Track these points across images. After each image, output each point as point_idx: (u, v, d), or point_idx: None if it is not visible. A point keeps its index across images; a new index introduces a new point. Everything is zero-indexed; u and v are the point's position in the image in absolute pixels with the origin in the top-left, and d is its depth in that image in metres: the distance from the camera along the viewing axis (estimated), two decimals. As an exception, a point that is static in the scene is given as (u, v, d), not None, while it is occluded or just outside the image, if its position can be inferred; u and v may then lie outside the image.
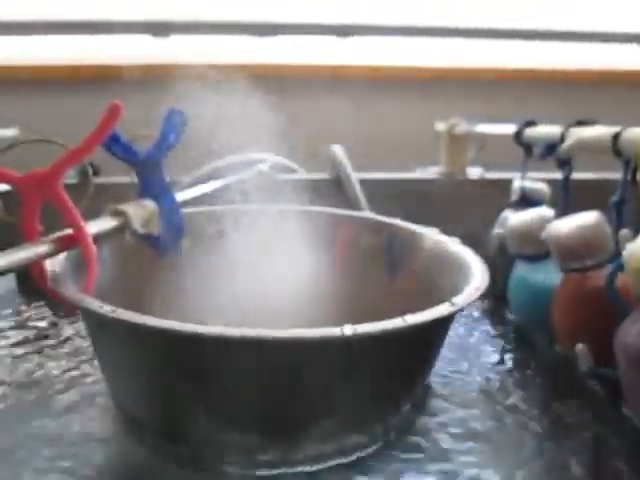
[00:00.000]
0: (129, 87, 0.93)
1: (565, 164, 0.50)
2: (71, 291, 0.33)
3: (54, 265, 0.35)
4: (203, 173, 0.70)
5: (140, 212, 0.40)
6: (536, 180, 0.59)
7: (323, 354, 0.31)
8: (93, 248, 0.33)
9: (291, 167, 0.76)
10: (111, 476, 0.34)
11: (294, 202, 0.55)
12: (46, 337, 0.49)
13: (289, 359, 0.31)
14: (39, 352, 0.47)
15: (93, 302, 0.31)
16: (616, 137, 0.42)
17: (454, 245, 0.44)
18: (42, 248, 0.31)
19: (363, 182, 0.71)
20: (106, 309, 0.30)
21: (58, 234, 0.33)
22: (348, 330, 0.29)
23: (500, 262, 0.54)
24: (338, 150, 0.73)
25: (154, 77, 0.94)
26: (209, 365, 0.31)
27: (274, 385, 0.32)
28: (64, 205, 0.33)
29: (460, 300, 0.34)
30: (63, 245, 0.32)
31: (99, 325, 0.35)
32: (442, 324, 0.37)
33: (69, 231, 0.33)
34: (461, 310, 0.34)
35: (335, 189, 0.73)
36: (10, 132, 0.65)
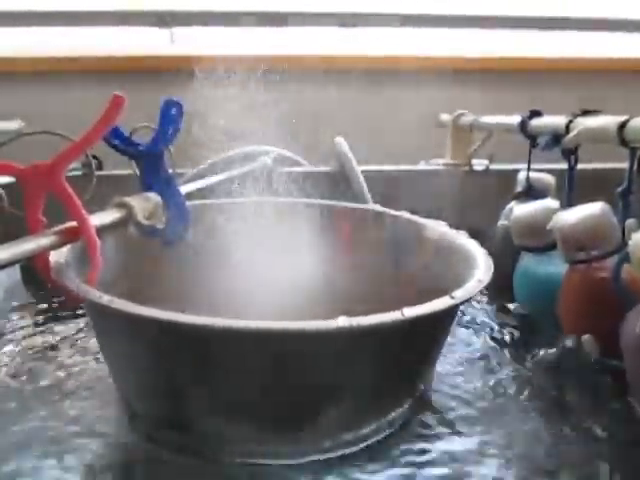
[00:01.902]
0: (133, 79, 0.93)
1: (570, 154, 0.50)
2: (74, 282, 0.33)
3: (58, 257, 0.35)
4: (208, 165, 0.71)
5: (144, 204, 0.40)
6: (541, 171, 0.59)
7: (320, 346, 0.31)
8: (96, 240, 0.33)
9: (295, 160, 0.76)
10: (114, 467, 0.34)
11: (298, 195, 0.55)
12: (50, 329, 0.50)
13: (287, 351, 0.31)
14: (43, 343, 0.47)
15: (93, 292, 0.31)
16: (622, 126, 0.42)
17: (459, 237, 0.44)
18: (45, 240, 0.31)
19: (368, 174, 0.71)
20: (105, 299, 0.30)
21: (61, 226, 0.33)
22: (343, 322, 0.29)
23: (505, 253, 0.54)
24: (342, 142, 0.73)
25: (157, 69, 0.94)
26: (208, 356, 0.31)
27: (272, 377, 0.32)
28: (67, 197, 0.33)
29: (461, 293, 0.33)
30: (66, 237, 0.32)
31: (100, 316, 0.35)
32: (444, 317, 0.36)
33: (73, 223, 0.33)
34: (462, 303, 0.33)
35: (339, 181, 0.73)
36: (14, 124, 0.65)
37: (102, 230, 0.35)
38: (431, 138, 0.80)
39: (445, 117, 0.77)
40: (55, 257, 0.35)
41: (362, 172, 0.71)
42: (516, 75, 1.07)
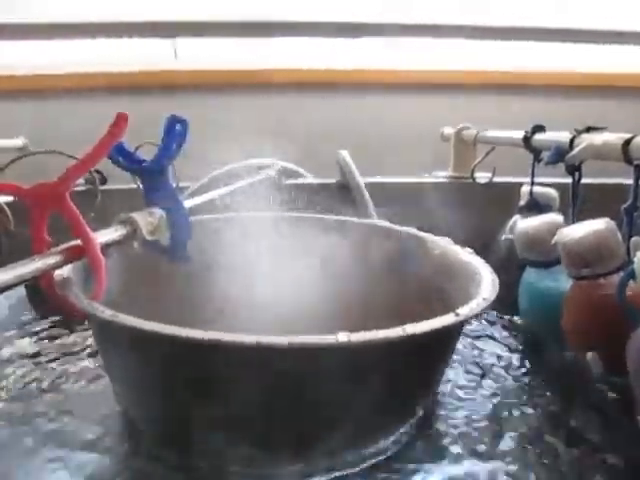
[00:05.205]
0: (137, 95, 0.93)
1: (574, 170, 0.49)
2: (78, 299, 0.33)
3: (62, 273, 0.35)
4: (211, 179, 0.71)
5: (148, 219, 0.40)
6: (545, 185, 0.59)
7: (319, 361, 0.31)
8: (101, 258, 0.33)
9: (298, 172, 0.76)
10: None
11: (301, 207, 0.55)
12: (54, 344, 0.50)
13: (286, 366, 0.31)
14: (47, 358, 0.47)
15: (96, 307, 0.31)
16: (627, 143, 0.42)
17: (465, 254, 0.44)
18: (51, 260, 0.31)
19: (371, 186, 0.71)
20: (108, 314, 0.30)
21: (66, 245, 0.32)
22: (343, 337, 0.29)
23: (509, 267, 0.53)
24: (345, 155, 0.73)
25: (161, 84, 0.94)
26: (208, 372, 0.31)
27: (272, 392, 0.32)
28: (72, 216, 0.33)
29: (465, 311, 0.33)
30: (71, 256, 0.32)
31: (103, 331, 0.35)
32: (447, 334, 0.36)
33: (77, 242, 0.33)
34: (467, 321, 0.33)
35: (343, 194, 0.73)
36: (17, 142, 0.65)
37: (107, 247, 0.35)
38: (435, 151, 0.80)
39: (448, 130, 0.77)
40: (59, 274, 0.35)
41: (365, 184, 0.71)
42: (521, 89, 1.07)
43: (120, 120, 0.33)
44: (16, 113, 0.89)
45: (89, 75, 0.95)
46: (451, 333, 0.37)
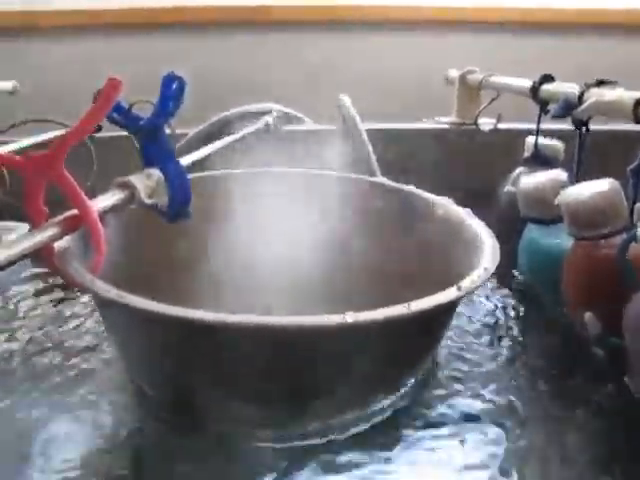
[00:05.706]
0: (137, 33, 0.88)
1: (582, 125, 0.48)
2: (79, 271, 0.33)
3: (62, 243, 0.35)
4: (209, 125, 0.69)
5: (146, 182, 0.39)
6: (552, 133, 0.57)
7: (325, 339, 0.31)
8: (100, 228, 0.33)
9: (298, 117, 0.75)
10: (124, 448, 0.35)
11: (301, 154, 0.54)
12: (56, 304, 0.50)
13: (294, 344, 0.31)
14: (49, 319, 0.47)
15: (101, 285, 0.31)
16: (638, 103, 0.40)
17: (466, 216, 0.43)
18: (48, 232, 0.30)
19: (371, 132, 0.70)
20: (113, 293, 0.30)
21: (64, 216, 0.32)
22: (350, 318, 0.29)
23: (510, 220, 0.53)
24: (347, 100, 0.71)
25: (156, 23, 0.90)
26: (212, 349, 0.32)
27: (277, 367, 0.32)
28: (68, 185, 0.32)
29: (467, 284, 0.33)
30: (69, 227, 0.32)
31: (107, 306, 0.35)
32: (449, 306, 0.36)
33: (74, 211, 0.32)
34: (469, 294, 0.33)
35: (343, 140, 0.71)
36: (8, 85, 0.63)
37: (106, 213, 0.35)
38: (439, 95, 0.77)
39: (453, 73, 0.74)
40: (60, 246, 0.34)
41: (366, 130, 0.70)
42: (537, 27, 1.01)
43: (113, 85, 0.32)
44: (8, 53, 0.86)
45: (91, 12, 0.89)
46: (453, 305, 0.37)
